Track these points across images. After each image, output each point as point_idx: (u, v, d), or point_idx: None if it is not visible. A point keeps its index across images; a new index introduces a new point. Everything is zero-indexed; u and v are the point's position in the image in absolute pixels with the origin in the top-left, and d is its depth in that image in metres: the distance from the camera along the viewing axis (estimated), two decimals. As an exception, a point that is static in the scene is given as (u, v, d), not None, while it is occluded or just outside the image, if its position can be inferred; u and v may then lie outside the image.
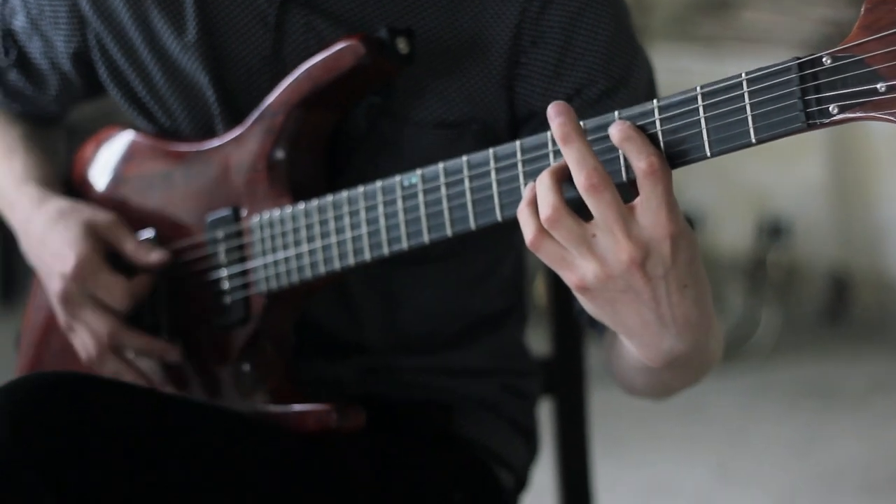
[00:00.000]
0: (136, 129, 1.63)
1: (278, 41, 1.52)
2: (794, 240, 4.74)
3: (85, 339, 1.56)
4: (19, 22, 1.65)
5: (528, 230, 1.23)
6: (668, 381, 1.40)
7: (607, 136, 1.23)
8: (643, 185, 1.19)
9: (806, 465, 3.63)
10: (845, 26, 4.51)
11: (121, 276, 1.54)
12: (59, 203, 1.60)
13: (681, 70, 4.76)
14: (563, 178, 1.22)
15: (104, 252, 1.56)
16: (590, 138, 1.24)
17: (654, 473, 3.57)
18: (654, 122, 1.22)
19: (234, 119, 1.55)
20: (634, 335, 1.26)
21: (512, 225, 1.32)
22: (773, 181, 4.77)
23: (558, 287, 1.82)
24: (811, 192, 4.78)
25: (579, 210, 1.22)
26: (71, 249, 1.54)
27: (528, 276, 1.74)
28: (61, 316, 1.58)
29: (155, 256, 1.55)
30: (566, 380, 1.86)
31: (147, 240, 1.58)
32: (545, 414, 1.82)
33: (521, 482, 1.71)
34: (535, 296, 1.77)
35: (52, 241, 1.57)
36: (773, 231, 4.70)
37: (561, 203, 1.21)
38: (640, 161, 1.19)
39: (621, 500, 3.34)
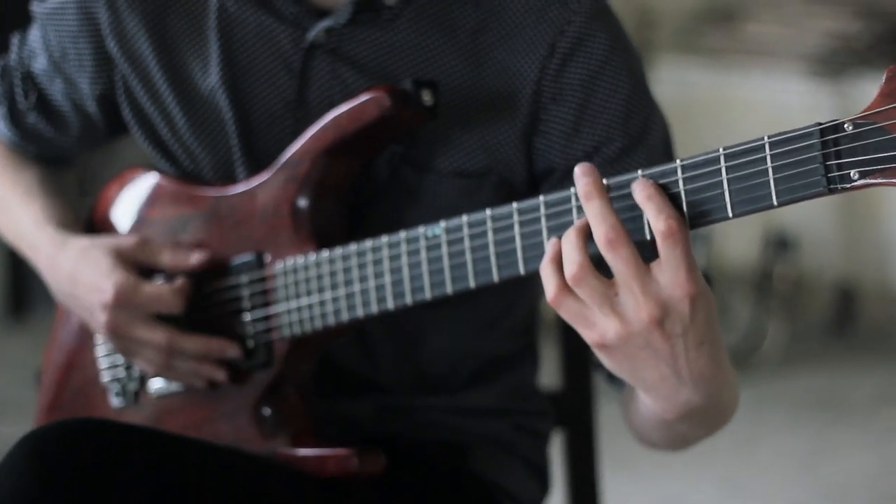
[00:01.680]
0: (160, 171, 1.64)
1: (303, 87, 1.53)
2: (800, 252, 4.74)
3: (147, 356, 1.56)
4: (39, 64, 1.66)
5: (549, 287, 1.25)
6: (684, 433, 1.41)
7: (629, 195, 1.25)
8: (662, 246, 1.20)
9: (813, 478, 3.63)
10: (851, 39, 4.51)
11: (164, 284, 1.54)
12: (79, 241, 1.61)
13: (686, 83, 4.77)
14: (588, 236, 1.24)
15: (137, 272, 1.56)
16: (613, 195, 1.25)
17: (662, 488, 3.57)
18: (676, 182, 1.24)
19: (254, 162, 1.56)
20: (651, 389, 1.28)
21: (533, 276, 1.34)
22: (780, 193, 4.76)
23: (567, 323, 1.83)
24: (817, 204, 4.77)
25: (601, 266, 1.23)
26: (107, 279, 1.54)
27: (540, 318, 1.75)
28: (116, 344, 1.58)
29: (196, 257, 1.55)
30: (576, 412, 1.87)
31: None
32: (556, 445, 1.83)
33: (532, 518, 1.72)
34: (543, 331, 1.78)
35: (84, 277, 1.57)
36: (780, 243, 4.70)
37: (586, 261, 1.22)
38: (658, 222, 1.21)
39: (630, 516, 3.34)
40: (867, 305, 4.78)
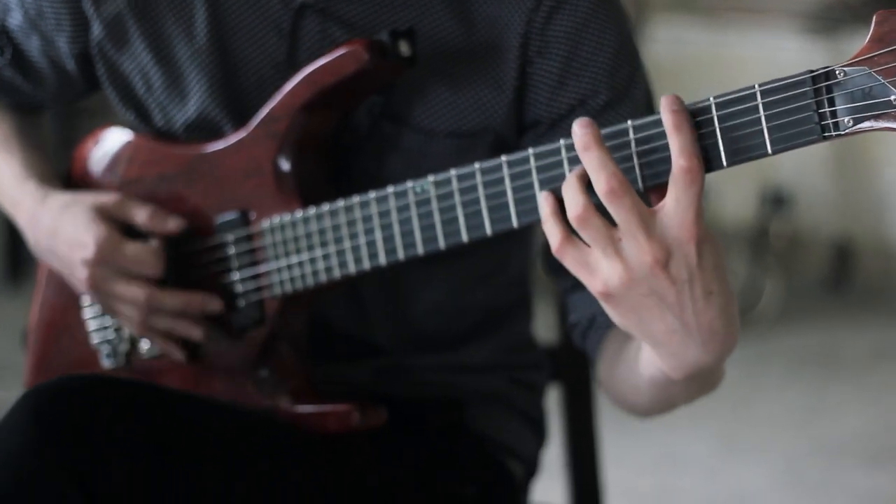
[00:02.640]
0: (135, 129, 1.62)
1: (293, 48, 1.52)
2: (796, 209, 4.74)
3: (126, 312, 1.55)
4: (15, 20, 1.63)
5: (553, 237, 1.24)
6: (675, 395, 1.39)
7: (620, 146, 1.24)
8: (678, 182, 1.19)
9: (810, 434, 3.65)
10: (846, -5, 4.50)
11: (143, 244, 1.53)
12: (60, 196, 1.59)
13: (682, 41, 4.76)
14: (588, 184, 1.23)
15: (119, 229, 1.55)
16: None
17: (660, 445, 3.58)
18: (663, 133, 1.23)
19: (242, 125, 1.54)
20: (660, 344, 1.26)
21: (526, 229, 1.34)
22: (775, 151, 4.77)
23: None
24: (813, 161, 4.78)
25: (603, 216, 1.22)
26: (87, 234, 1.53)
27: (534, 270, 1.74)
28: (96, 300, 1.57)
29: (172, 224, 1.54)
30: (573, 367, 1.87)
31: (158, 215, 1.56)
32: (553, 400, 1.83)
33: (531, 471, 1.73)
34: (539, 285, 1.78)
35: (64, 232, 1.56)
36: (776, 200, 4.70)
37: (589, 202, 1.21)
38: (682, 158, 1.19)
39: (628, 473, 3.35)
40: (863, 262, 4.79)
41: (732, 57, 4.66)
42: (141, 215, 1.55)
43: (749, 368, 3.99)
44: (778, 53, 4.52)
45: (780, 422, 3.77)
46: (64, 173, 1.69)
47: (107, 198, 1.56)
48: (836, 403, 3.85)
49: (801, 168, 4.76)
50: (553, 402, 1.83)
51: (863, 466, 3.46)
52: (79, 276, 1.55)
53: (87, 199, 1.57)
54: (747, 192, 4.78)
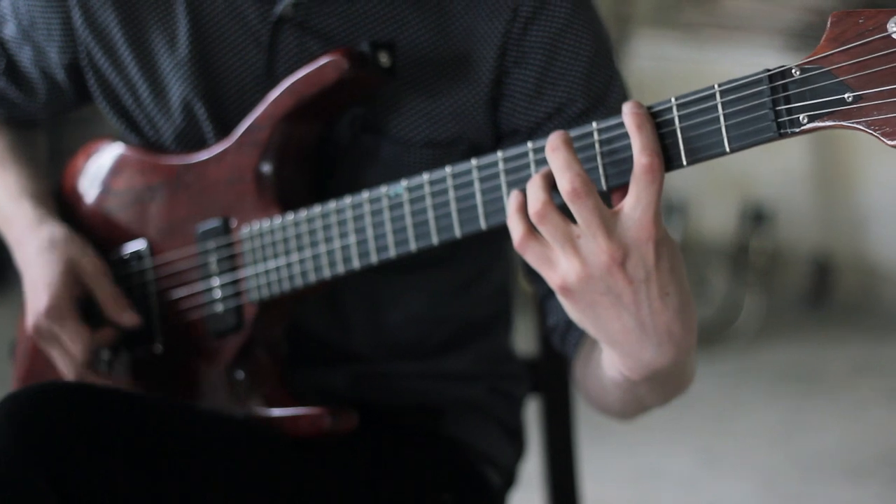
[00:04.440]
0: (126, 141, 1.64)
1: (271, 60, 1.54)
2: (776, 225, 4.76)
3: (58, 365, 1.59)
4: (9, 31, 1.66)
5: (516, 232, 1.26)
6: (643, 396, 1.40)
7: (584, 147, 1.26)
8: (640, 180, 1.21)
9: (789, 449, 3.66)
10: (827, 14, 4.53)
11: (85, 329, 1.56)
12: (53, 230, 1.61)
13: (663, 57, 4.78)
14: (552, 184, 1.25)
15: (79, 295, 1.58)
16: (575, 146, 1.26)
17: (639, 459, 3.59)
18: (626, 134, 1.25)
19: (225, 135, 1.56)
20: (616, 343, 1.27)
21: (497, 233, 1.36)
22: (756, 167, 4.79)
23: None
24: (794, 177, 4.80)
25: (566, 216, 1.24)
26: (47, 289, 1.56)
27: (515, 283, 1.76)
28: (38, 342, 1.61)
29: (127, 318, 1.57)
30: (552, 379, 1.88)
31: (121, 296, 1.60)
32: (532, 412, 1.84)
33: (508, 481, 1.74)
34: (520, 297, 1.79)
35: (34, 273, 1.59)
36: (756, 216, 4.72)
37: (549, 199, 1.24)
38: (643, 155, 1.21)
39: (608, 487, 3.36)
40: (842, 278, 4.80)
41: (713, 73, 4.66)
42: (105, 298, 1.58)
43: (729, 383, 4.00)
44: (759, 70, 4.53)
45: (759, 436, 3.78)
46: (55, 186, 1.70)
47: (88, 261, 1.59)
48: (815, 418, 3.87)
49: (782, 184, 4.78)
50: (532, 413, 1.84)
51: (841, 481, 3.47)
52: (29, 318, 1.58)
53: (72, 249, 1.59)
54: (728, 207, 4.79)
